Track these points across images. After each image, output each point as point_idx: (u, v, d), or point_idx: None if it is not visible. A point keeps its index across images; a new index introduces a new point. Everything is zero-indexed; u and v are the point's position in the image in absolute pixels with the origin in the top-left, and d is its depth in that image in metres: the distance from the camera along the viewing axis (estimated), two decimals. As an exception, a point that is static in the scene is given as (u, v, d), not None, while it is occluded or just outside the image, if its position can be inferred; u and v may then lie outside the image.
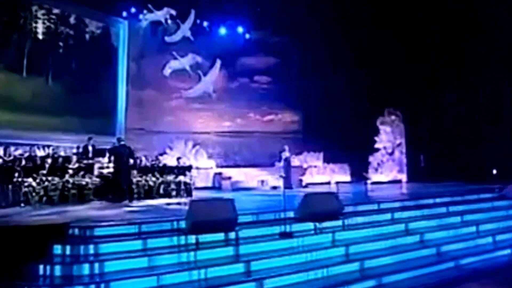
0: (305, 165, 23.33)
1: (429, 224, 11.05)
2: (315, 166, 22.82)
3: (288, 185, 17.09)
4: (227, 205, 8.49)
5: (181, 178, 15.22)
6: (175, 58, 21.10)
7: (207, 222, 8.10)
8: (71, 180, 12.94)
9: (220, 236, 8.55)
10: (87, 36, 18.84)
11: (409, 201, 12.29)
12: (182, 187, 15.18)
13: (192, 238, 8.20)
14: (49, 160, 13.45)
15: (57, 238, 7.83)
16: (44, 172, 12.82)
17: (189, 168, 16.15)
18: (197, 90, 21.75)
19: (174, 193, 15.04)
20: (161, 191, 14.90)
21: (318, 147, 24.01)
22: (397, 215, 11.18)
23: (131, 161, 13.88)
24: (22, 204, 11.98)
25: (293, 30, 23.97)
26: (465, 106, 21.27)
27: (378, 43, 22.62)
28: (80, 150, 15.47)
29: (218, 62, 22.30)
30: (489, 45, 20.52)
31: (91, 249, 7.58)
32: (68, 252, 7.53)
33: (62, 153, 15.46)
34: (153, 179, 14.70)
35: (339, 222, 9.87)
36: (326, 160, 23.83)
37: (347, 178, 23.51)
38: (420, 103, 22.06)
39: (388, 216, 11.06)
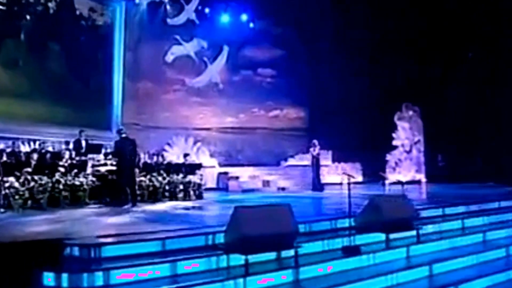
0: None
1: (506, 234, 8.77)
2: (326, 166, 20.42)
3: (318, 186, 14.65)
4: (284, 213, 6.05)
5: (190, 178, 12.69)
6: (179, 43, 18.47)
7: (259, 236, 5.65)
8: (62, 180, 10.30)
9: (271, 255, 6.14)
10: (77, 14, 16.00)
11: (473, 205, 9.96)
12: (192, 188, 12.67)
13: (238, 259, 5.75)
14: (35, 156, 10.82)
15: (48, 262, 5.30)
16: (30, 170, 10.18)
17: (199, 166, 13.65)
18: (202, 79, 19.15)
19: (181, 195, 12.52)
20: (166, 193, 12.36)
21: (327, 145, 21.62)
22: (468, 222, 8.87)
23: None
24: (2, 210, 9.32)
25: (300, 20, 21.62)
26: (487, 101, 19.16)
27: (394, 32, 20.39)
28: (71, 145, 12.90)
29: (226, 49, 19.76)
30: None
31: (99, 278, 5.07)
32: (65, 283, 5.00)
33: (50, 149, 12.91)
34: (159, 178, 12.14)
35: (413, 233, 7.49)
36: (336, 159, 21.45)
37: (359, 178, 21.20)
38: (440, 97, 19.85)
39: (458, 223, 8.76)
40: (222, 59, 19.89)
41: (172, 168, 12.82)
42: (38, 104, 14.47)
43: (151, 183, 11.94)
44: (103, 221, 7.98)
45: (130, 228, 7.02)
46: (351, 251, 6.76)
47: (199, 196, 12.77)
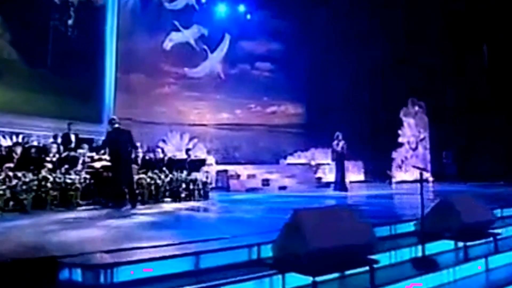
0: (312, 163, 19.46)
1: None
2: (328, 164, 18.88)
3: (341, 186, 12.85)
4: (356, 218, 4.41)
5: (196, 175, 10.96)
6: (177, 29, 16.61)
7: (328, 249, 4.00)
8: (50, 178, 8.48)
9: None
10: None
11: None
12: (196, 186, 10.92)
13: (297, 280, 4.10)
14: (18, 150, 8.99)
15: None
16: (11, 165, 8.37)
17: (203, 162, 11.93)
18: (202, 69, 17.33)
19: (184, 194, 10.76)
20: (168, 192, 10.60)
21: (326, 143, 20.09)
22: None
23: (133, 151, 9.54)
24: (-23, 213, 7.51)
25: (299, 13, 20.07)
26: (497, 96, 17.83)
27: (397, 23, 18.95)
28: (59, 139, 11.10)
29: (227, 38, 17.98)
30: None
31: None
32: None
33: (35, 143, 11.11)
34: (162, 176, 10.38)
35: (489, 239, 5.94)
36: (336, 157, 19.86)
37: (361, 177, 19.75)
38: (446, 92, 18.49)
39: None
40: (223, 48, 18.10)
41: (175, 164, 11.08)
42: (21, 92, 12.51)
43: (152, 181, 10.18)
44: (105, 228, 6.20)
45: (142, 237, 5.28)
46: (425, 264, 5.18)
47: (205, 196, 11.05)
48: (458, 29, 18.07)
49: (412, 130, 18.55)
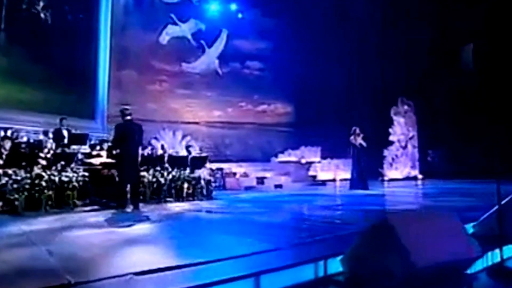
0: (303, 161, 18.44)
1: None
2: (319, 162, 17.91)
3: (360, 184, 11.58)
4: (455, 225, 3.30)
5: (199, 173, 9.71)
6: (174, 23, 15.25)
7: (431, 267, 2.88)
8: (45, 175, 7.11)
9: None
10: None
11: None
12: (199, 185, 9.67)
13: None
14: (8, 145, 7.60)
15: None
16: (0, 162, 6.99)
17: (206, 159, 10.68)
18: (199, 64, 16.01)
19: (186, 193, 9.50)
20: (171, 191, 9.31)
21: (316, 141, 19.12)
22: None
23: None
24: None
25: (290, 12, 19.01)
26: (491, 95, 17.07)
27: (387, 23, 18.07)
28: (51, 135, 9.71)
29: (225, 33, 16.69)
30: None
31: None
32: None
33: (25, 139, 9.70)
34: (164, 174, 9.10)
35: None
36: (326, 155, 18.87)
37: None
38: (436, 91, 17.69)
39: None
40: (221, 43, 16.80)
41: (176, 162, 9.80)
42: (9, 85, 11.01)
43: (154, 180, 8.89)
44: (119, 236, 4.88)
45: (170, 250, 4.04)
46: (504, 275, 4.12)
47: (209, 195, 9.80)
48: (450, 28, 17.30)
49: (402, 128, 17.70)
